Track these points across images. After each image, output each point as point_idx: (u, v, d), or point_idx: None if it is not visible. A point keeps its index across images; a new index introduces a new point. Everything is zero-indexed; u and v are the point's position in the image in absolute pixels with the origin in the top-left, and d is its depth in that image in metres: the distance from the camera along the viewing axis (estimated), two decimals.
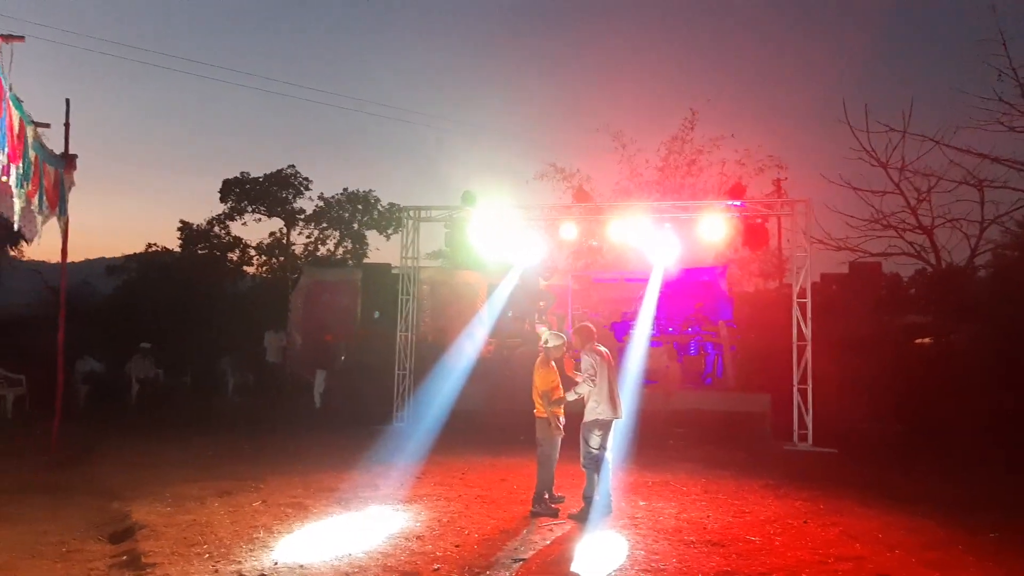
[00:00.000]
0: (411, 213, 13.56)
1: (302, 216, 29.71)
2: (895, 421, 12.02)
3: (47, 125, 8.37)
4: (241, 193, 28.91)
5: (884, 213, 16.87)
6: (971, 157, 16.14)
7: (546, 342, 7.26)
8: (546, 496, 7.04)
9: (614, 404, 6.91)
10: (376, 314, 14.43)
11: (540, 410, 7.02)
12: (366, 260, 28.58)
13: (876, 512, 7.11)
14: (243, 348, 17.73)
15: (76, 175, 9.22)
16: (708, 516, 6.90)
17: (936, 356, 16.23)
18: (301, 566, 5.24)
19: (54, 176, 8.49)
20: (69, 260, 9.84)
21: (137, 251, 28.49)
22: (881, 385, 12.33)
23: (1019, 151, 16.29)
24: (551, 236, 14.05)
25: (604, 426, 6.85)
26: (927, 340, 17.37)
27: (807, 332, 11.47)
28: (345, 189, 30.34)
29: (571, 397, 7.00)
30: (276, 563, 5.30)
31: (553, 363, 7.14)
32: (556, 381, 7.05)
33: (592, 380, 6.84)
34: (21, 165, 7.15)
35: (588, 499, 6.82)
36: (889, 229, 16.91)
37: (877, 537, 6.20)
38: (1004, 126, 15.90)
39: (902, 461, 10.04)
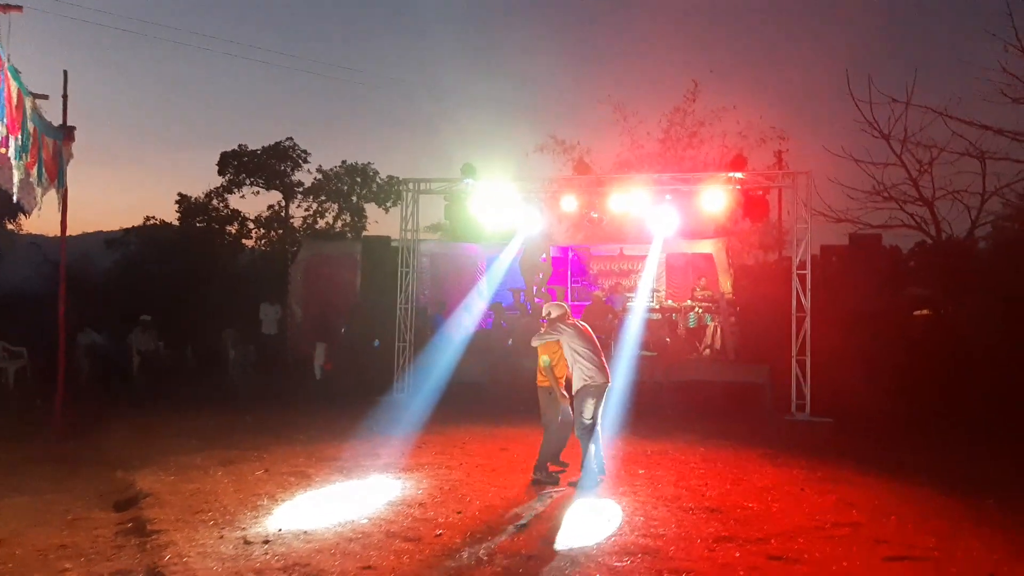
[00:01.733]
0: (411, 186, 13.51)
1: (300, 189, 29.58)
2: (894, 392, 12.08)
3: (45, 97, 8.32)
4: (239, 166, 28.75)
5: (885, 185, 16.80)
6: (974, 129, 16.05)
7: (548, 314, 7.34)
8: (548, 464, 7.12)
9: (601, 369, 7.01)
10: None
11: (541, 379, 7.11)
12: (365, 233, 28.53)
13: (874, 481, 7.18)
14: (243, 321, 17.76)
15: (74, 147, 9.17)
16: (706, 484, 6.98)
17: (936, 328, 16.30)
18: (305, 532, 5.31)
19: (53, 148, 8.43)
20: (68, 234, 9.81)
21: (136, 224, 28.44)
22: (881, 357, 12.38)
23: (1022, 123, 16.22)
24: (551, 209, 14.02)
25: (595, 393, 6.94)
26: (926, 312, 17.43)
27: (806, 304, 11.50)
28: (344, 162, 30.20)
29: (532, 342, 7.21)
30: (280, 529, 5.36)
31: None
32: (558, 352, 7.11)
33: (541, 337, 7.09)
34: (20, 137, 7.10)
35: (586, 468, 6.91)
36: (890, 201, 16.86)
37: (874, 505, 6.27)
38: (1008, 98, 15.79)
39: (901, 432, 10.12)
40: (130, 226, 28.69)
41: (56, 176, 8.66)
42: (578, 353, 6.96)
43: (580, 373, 6.94)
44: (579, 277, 17.34)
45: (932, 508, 6.23)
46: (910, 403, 11.88)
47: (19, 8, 6.71)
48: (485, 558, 4.83)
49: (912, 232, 17.31)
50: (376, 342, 14.63)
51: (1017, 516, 5.96)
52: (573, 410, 7.03)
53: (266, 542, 5.08)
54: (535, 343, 7.12)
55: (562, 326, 7.09)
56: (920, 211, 16.86)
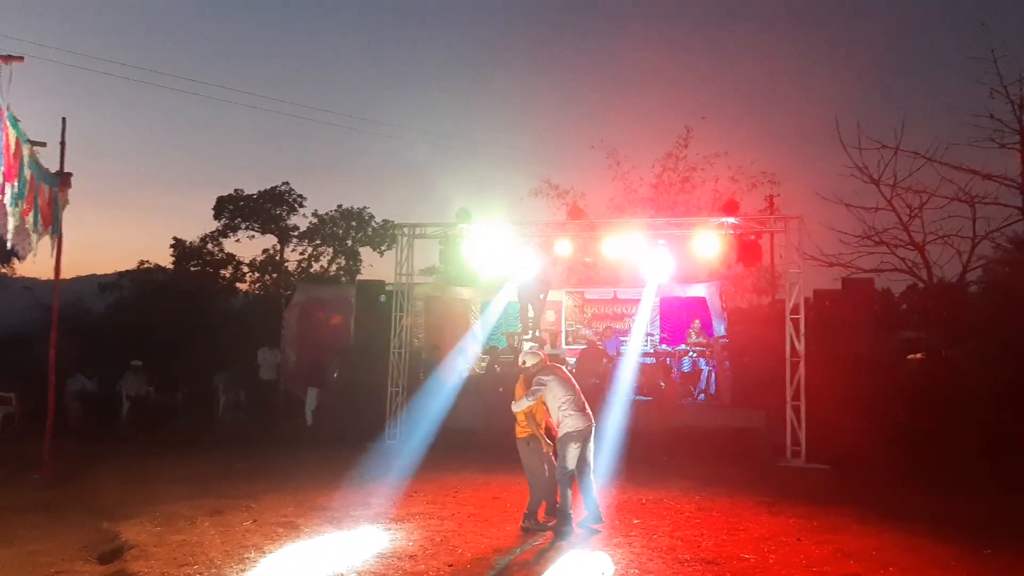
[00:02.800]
0: (405, 230, 13.56)
1: (296, 233, 29.65)
2: (890, 437, 12.01)
3: (43, 144, 8.39)
4: (235, 210, 28.85)
5: (876, 229, 16.99)
6: (962, 173, 16.29)
7: (523, 363, 7.34)
8: (539, 514, 7.03)
9: (584, 413, 7.02)
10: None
11: (520, 430, 7.07)
12: (360, 277, 28.55)
13: (871, 529, 7.09)
14: (236, 365, 17.64)
15: (70, 193, 9.20)
16: (702, 534, 6.88)
17: (929, 372, 16.27)
18: None
19: (48, 194, 8.47)
20: (61, 277, 9.79)
21: (130, 268, 28.39)
22: (876, 401, 12.32)
23: (1010, 168, 16.44)
24: (546, 252, 14.07)
25: (578, 438, 6.92)
26: (919, 356, 17.42)
27: (800, 348, 11.48)
28: (339, 206, 30.32)
29: (515, 408, 7.08)
30: None
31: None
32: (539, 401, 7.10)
33: (532, 396, 6.97)
34: (16, 184, 7.14)
35: (564, 514, 6.87)
36: (881, 245, 17.02)
37: (872, 555, 6.19)
38: (995, 143, 16.06)
39: (897, 478, 10.03)
40: (124, 269, 28.68)
41: (51, 222, 8.67)
42: (560, 400, 6.97)
43: (563, 420, 6.94)
44: (573, 320, 17.34)
45: (930, 557, 6.14)
46: (906, 447, 11.79)
47: (20, 58, 6.79)
48: None
49: (904, 276, 17.43)
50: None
51: (1015, 567, 5.88)
52: (556, 456, 6.98)
53: None
54: (526, 404, 6.98)
55: (542, 378, 7.08)
56: (911, 255, 16.99)
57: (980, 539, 6.69)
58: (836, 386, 12.16)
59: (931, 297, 17.08)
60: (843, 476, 10.25)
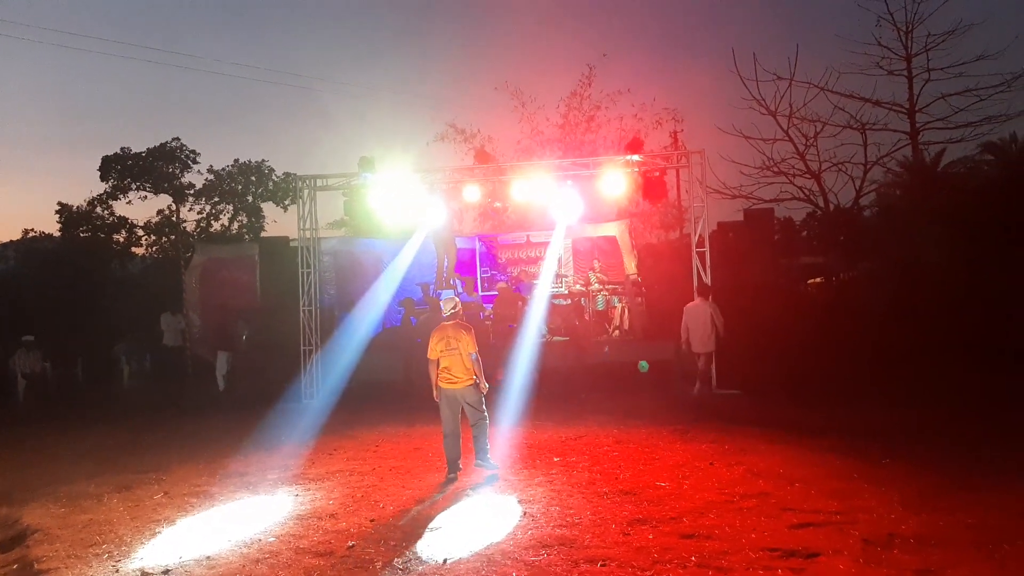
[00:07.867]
0: (307, 182, 13.10)
1: (191, 191, 28.23)
2: (795, 359, 12.57)
3: None
4: (123, 170, 27.19)
5: (775, 160, 17.53)
6: (854, 101, 16.89)
7: (455, 307, 7.20)
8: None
9: None
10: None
11: (470, 378, 6.92)
12: (264, 234, 27.61)
13: (778, 448, 7.42)
14: (138, 333, 16.90)
15: None
16: (620, 466, 7.04)
17: (830, 294, 17.09)
18: (208, 557, 5.04)
19: None
20: None
21: (14, 239, 26.61)
22: (780, 326, 12.84)
23: (899, 94, 17.18)
24: (455, 199, 13.87)
25: None
26: (819, 280, 18.25)
27: (707, 280, 11.78)
28: (236, 160, 29.03)
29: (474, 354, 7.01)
30: (181, 557, 5.07)
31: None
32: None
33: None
34: None
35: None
36: (780, 175, 17.60)
37: (779, 472, 6.47)
38: (884, 70, 16.63)
39: (801, 398, 10.51)
40: (7, 240, 26.88)
41: None
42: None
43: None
44: (488, 266, 17.29)
45: (834, 471, 6.46)
46: (810, 368, 12.39)
47: None
48: (400, 568, 4.70)
49: (802, 204, 18.10)
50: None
51: (910, 474, 6.26)
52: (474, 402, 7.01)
53: (166, 572, 4.80)
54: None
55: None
56: (808, 183, 17.65)
57: (878, 450, 7.09)
58: (743, 314, 12.59)
59: (828, 223, 17.82)
60: (752, 400, 10.67)
